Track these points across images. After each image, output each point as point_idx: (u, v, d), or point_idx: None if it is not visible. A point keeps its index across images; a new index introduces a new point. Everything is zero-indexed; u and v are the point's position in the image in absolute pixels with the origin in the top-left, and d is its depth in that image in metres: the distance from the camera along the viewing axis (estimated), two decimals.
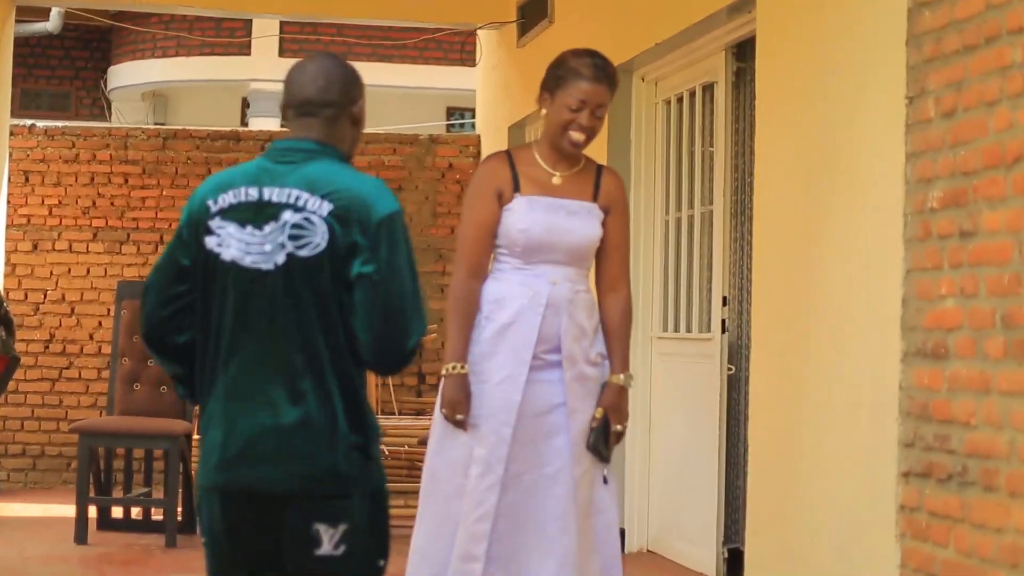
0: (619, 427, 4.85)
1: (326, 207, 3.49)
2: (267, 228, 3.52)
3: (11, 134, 10.71)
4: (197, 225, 3.59)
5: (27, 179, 11.06)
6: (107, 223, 11.07)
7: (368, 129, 12.11)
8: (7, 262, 10.73)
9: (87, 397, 10.97)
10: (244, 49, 17.36)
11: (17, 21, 11.11)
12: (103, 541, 8.17)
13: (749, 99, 6.84)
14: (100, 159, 11.12)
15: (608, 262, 4.94)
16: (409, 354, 3.49)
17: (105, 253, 11.05)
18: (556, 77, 4.85)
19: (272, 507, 3.51)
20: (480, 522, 4.75)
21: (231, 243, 3.54)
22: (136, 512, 8.67)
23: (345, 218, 3.48)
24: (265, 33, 16.20)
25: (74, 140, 11.13)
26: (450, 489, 4.85)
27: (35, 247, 11.04)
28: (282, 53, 16.61)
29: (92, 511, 8.24)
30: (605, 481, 4.86)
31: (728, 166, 7.00)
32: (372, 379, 10.11)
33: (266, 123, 15.97)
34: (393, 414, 10.21)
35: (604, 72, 4.85)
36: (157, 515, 8.43)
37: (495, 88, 10.90)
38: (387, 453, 8.78)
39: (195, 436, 8.27)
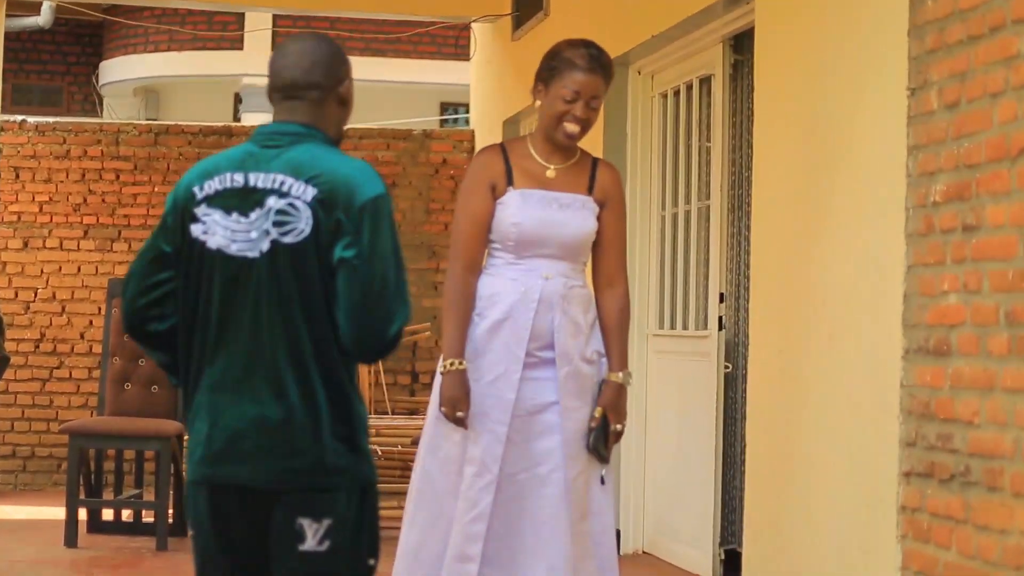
0: (618, 427, 4.77)
1: (310, 192, 3.41)
2: (253, 215, 3.44)
3: (1, 130, 10.63)
4: (183, 212, 3.51)
5: (17, 175, 10.97)
6: (98, 220, 10.99)
7: (361, 124, 12.17)
8: None
9: (78, 397, 10.88)
10: (236, 44, 17.26)
11: (7, 15, 11.00)
12: (93, 544, 8.09)
13: (747, 92, 6.75)
14: (91, 155, 11.04)
15: (604, 257, 4.86)
16: (390, 342, 3.40)
17: (96, 251, 10.96)
18: (550, 68, 4.78)
19: (258, 501, 3.44)
20: (475, 522, 4.68)
21: (217, 231, 3.46)
22: (127, 514, 8.59)
23: (329, 202, 3.40)
24: (258, 27, 16.09)
25: (65, 136, 11.04)
26: (443, 488, 4.78)
27: (25, 245, 10.95)
28: (275, 48, 16.52)
29: (82, 513, 8.15)
30: (603, 482, 4.78)
31: (725, 160, 6.91)
32: (365, 377, 10.02)
33: (259, 118, 15.89)
34: (386, 413, 10.11)
35: (599, 62, 4.78)
36: (148, 517, 8.35)
37: (490, 82, 10.81)
38: (380, 453, 8.68)
39: (187, 437, 8.18)
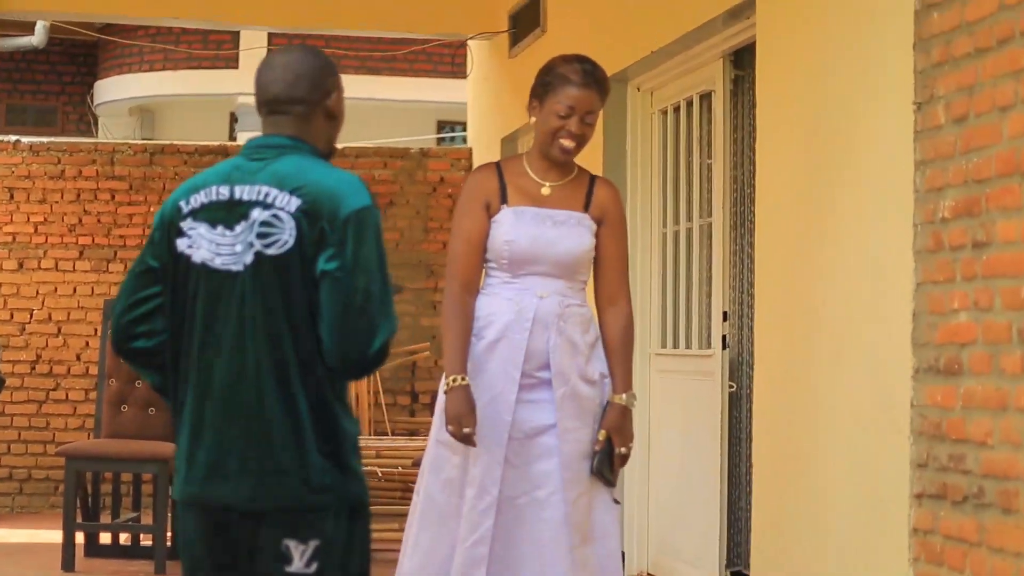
0: (622, 450, 4.70)
1: (294, 203, 3.35)
2: (238, 228, 3.39)
3: None
4: (169, 227, 3.46)
5: (12, 196, 10.91)
6: (93, 240, 10.92)
7: (358, 143, 12.10)
8: None
9: (74, 419, 10.81)
10: (232, 62, 17.22)
11: (1, 35, 10.96)
12: (91, 568, 8.01)
13: (748, 108, 6.69)
14: (86, 175, 10.98)
15: (605, 276, 4.81)
16: (374, 357, 3.34)
17: (92, 271, 10.89)
18: (544, 84, 4.75)
19: (243, 521, 3.38)
20: (477, 545, 4.63)
21: (202, 244, 3.41)
22: (124, 538, 8.51)
23: (313, 213, 3.34)
24: (253, 45, 16.04)
25: (59, 156, 10.98)
26: (446, 511, 4.74)
27: (20, 265, 10.89)
28: (262, 60, 16.47)
29: (79, 537, 8.07)
30: (616, 502, 4.73)
31: (727, 177, 6.84)
32: (364, 397, 9.95)
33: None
34: (386, 434, 10.04)
35: (593, 78, 4.74)
36: (146, 541, 8.27)
37: (487, 100, 10.75)
38: (380, 474, 8.61)
39: None
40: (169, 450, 7.99)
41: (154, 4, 10.26)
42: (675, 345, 7.47)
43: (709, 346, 6.99)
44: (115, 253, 10.91)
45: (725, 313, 6.84)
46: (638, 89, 7.81)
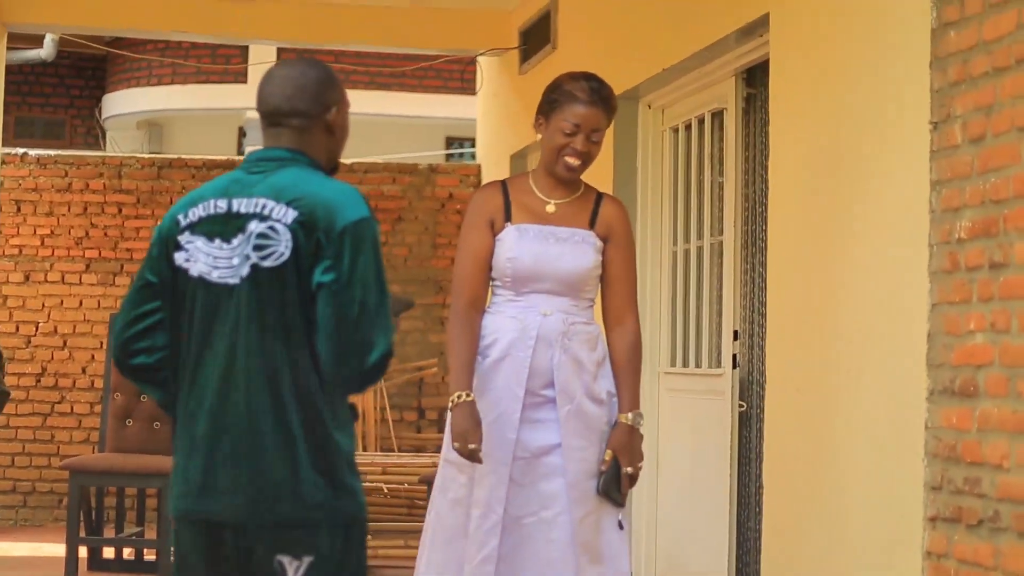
0: (629, 469, 4.65)
1: (291, 214, 3.33)
2: (235, 241, 3.37)
3: (3, 163, 10.56)
4: (167, 241, 3.45)
5: (19, 209, 10.89)
6: (100, 254, 10.90)
7: (366, 158, 12.09)
8: None
9: (79, 432, 10.78)
10: (240, 77, 17.20)
11: (10, 48, 10.94)
12: None
13: (760, 126, 6.65)
14: (93, 188, 10.97)
15: (612, 294, 4.78)
16: (371, 370, 3.30)
17: (98, 284, 10.86)
18: (551, 101, 4.74)
19: (237, 537, 3.34)
20: (484, 564, 4.60)
21: (199, 258, 3.39)
22: (128, 552, 8.46)
23: (309, 224, 3.31)
24: (262, 60, 16.02)
25: (67, 169, 10.97)
26: (453, 531, 4.71)
27: (27, 278, 10.87)
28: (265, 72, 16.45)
29: (83, 551, 8.03)
30: (620, 527, 4.67)
31: (738, 195, 6.79)
32: (371, 414, 9.91)
33: None
34: (392, 450, 10.00)
35: (599, 95, 4.72)
36: (150, 556, 8.23)
37: (496, 116, 10.72)
38: (386, 491, 8.57)
39: None
40: None
41: (163, 19, 10.24)
42: (685, 364, 7.42)
43: (719, 365, 6.94)
44: (122, 266, 10.88)
45: (736, 332, 6.79)
46: (649, 106, 7.78)
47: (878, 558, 4.84)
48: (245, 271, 3.34)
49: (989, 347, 4.19)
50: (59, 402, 10.81)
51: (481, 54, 10.52)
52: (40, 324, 10.85)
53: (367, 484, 8.50)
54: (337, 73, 3.59)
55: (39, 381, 10.80)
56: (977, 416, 4.24)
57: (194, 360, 3.38)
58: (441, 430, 4.79)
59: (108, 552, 8.43)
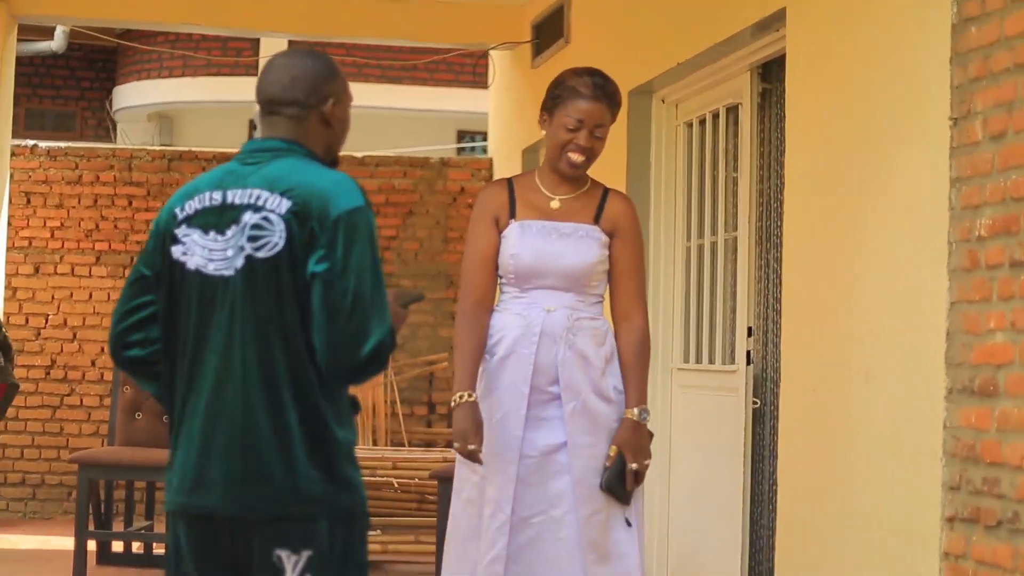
0: (634, 465, 4.61)
1: (285, 204, 3.30)
2: (229, 232, 3.34)
3: (13, 154, 10.51)
4: (164, 234, 3.42)
5: (29, 200, 10.86)
6: (110, 246, 10.88)
7: (378, 152, 12.01)
8: (8, 285, 10.52)
9: (89, 425, 10.76)
10: (251, 70, 17.14)
11: (21, 40, 10.92)
12: None
13: (776, 121, 6.61)
14: (103, 180, 10.94)
15: (618, 289, 4.76)
16: (365, 361, 3.25)
17: (108, 277, 10.84)
18: (554, 96, 4.72)
19: (234, 532, 3.30)
20: (493, 564, 4.59)
21: (195, 251, 3.36)
22: (137, 546, 8.43)
23: (303, 214, 3.28)
24: (273, 53, 16.00)
25: (77, 161, 10.94)
26: (467, 532, 4.71)
27: (37, 270, 10.84)
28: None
29: (91, 544, 8.00)
30: (628, 524, 4.63)
31: (753, 191, 6.75)
32: (381, 408, 9.88)
33: None
34: (403, 445, 9.97)
35: (603, 91, 4.70)
36: (159, 549, 8.19)
37: (508, 110, 10.68)
38: (396, 485, 8.54)
39: None
40: None
41: (174, 11, 10.21)
42: (698, 360, 7.38)
43: (733, 362, 6.90)
44: (132, 259, 10.84)
45: (750, 328, 6.75)
46: (663, 101, 7.73)
47: (895, 558, 4.80)
48: (240, 263, 3.31)
49: (1009, 346, 4.15)
50: (68, 395, 10.80)
51: (493, 48, 10.48)
52: (50, 316, 10.83)
53: (377, 479, 8.47)
54: (340, 66, 3.56)
55: (48, 373, 10.78)
56: (997, 416, 4.19)
57: (191, 354, 3.35)
58: (451, 425, 4.81)
59: (117, 546, 8.39)
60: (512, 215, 4.73)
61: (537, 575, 4.61)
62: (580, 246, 4.69)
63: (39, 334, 10.79)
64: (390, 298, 3.40)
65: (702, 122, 7.39)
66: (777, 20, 6.05)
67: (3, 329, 8.40)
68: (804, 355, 5.66)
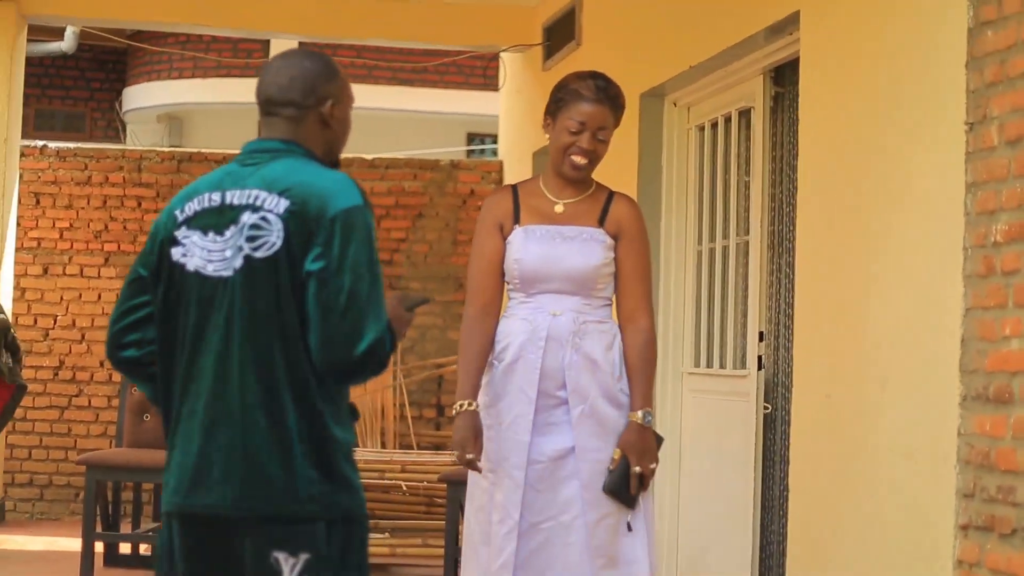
0: (637, 468, 4.58)
1: (283, 204, 3.29)
2: (228, 233, 3.33)
3: (22, 155, 10.49)
4: (164, 237, 3.41)
5: (38, 201, 10.85)
6: (119, 247, 10.86)
7: (388, 154, 11.98)
8: (16, 286, 10.50)
9: (97, 426, 10.74)
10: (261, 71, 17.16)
11: (31, 41, 10.90)
12: None
13: (788, 125, 6.58)
14: (113, 182, 10.92)
15: (624, 292, 4.73)
16: (360, 360, 3.23)
17: (117, 278, 10.82)
18: (557, 100, 4.72)
19: (231, 533, 3.28)
20: (502, 571, 4.57)
21: (195, 252, 3.36)
22: (144, 548, 8.40)
23: (301, 213, 3.27)
24: None
25: (86, 162, 10.93)
26: (478, 537, 4.69)
27: (45, 271, 10.82)
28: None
29: (99, 546, 7.98)
30: (629, 528, 4.60)
31: (765, 195, 6.72)
32: (390, 411, 9.85)
33: None
34: (411, 448, 9.94)
35: (605, 93, 4.68)
36: None
37: (519, 113, 10.66)
38: (405, 488, 8.51)
39: None
40: None
41: (184, 12, 10.20)
42: (709, 365, 7.35)
43: (744, 366, 6.87)
44: None
45: (761, 333, 6.72)
46: (675, 104, 7.70)
47: (907, 566, 4.77)
48: (238, 263, 3.30)
49: None
50: (77, 395, 10.78)
51: (504, 50, 10.46)
52: (58, 317, 10.81)
53: (386, 481, 8.45)
54: (342, 68, 3.54)
55: (57, 374, 10.76)
56: (1012, 423, 4.16)
57: (188, 355, 3.34)
58: None
59: (124, 547, 8.36)
60: (517, 221, 4.73)
61: None
62: (584, 249, 4.67)
63: (47, 335, 10.77)
64: (394, 301, 3.40)
65: (714, 126, 7.36)
66: (791, 23, 6.02)
67: (12, 330, 8.38)
68: (817, 360, 5.62)
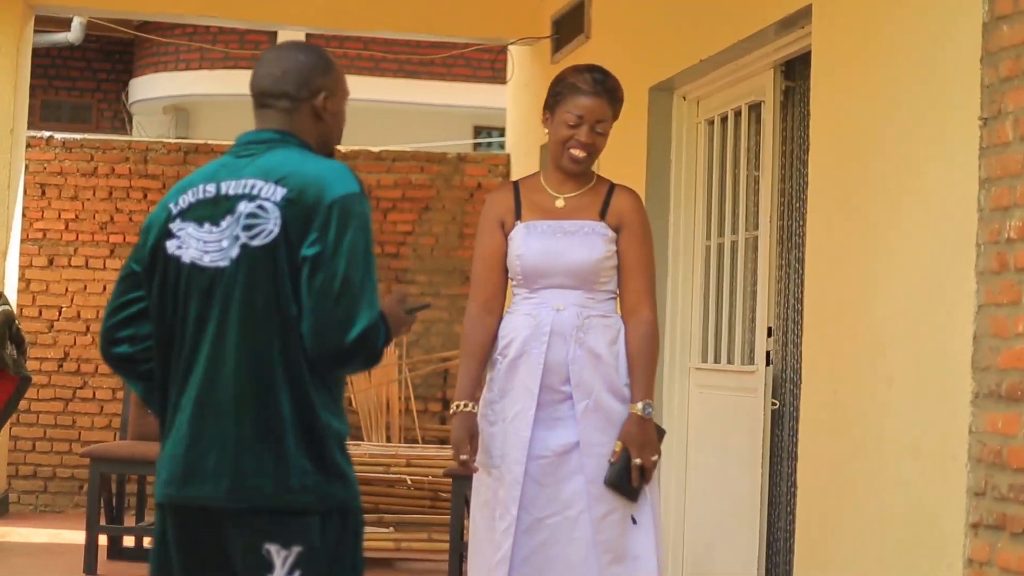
0: (638, 460, 4.55)
1: (279, 192, 3.28)
2: (224, 223, 3.31)
3: (28, 146, 10.46)
4: (158, 230, 3.39)
5: (43, 192, 10.81)
6: (125, 239, 10.81)
7: (394, 147, 11.95)
8: (21, 278, 10.47)
9: (101, 418, 10.70)
10: None
11: (37, 31, 10.87)
12: (113, 571, 7.90)
13: (798, 120, 6.53)
14: (119, 173, 10.88)
15: (626, 285, 4.72)
16: (351, 347, 3.20)
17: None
18: (555, 94, 4.71)
19: (223, 524, 3.25)
20: (499, 566, 4.56)
21: (190, 244, 3.34)
22: (148, 541, 8.37)
23: (298, 201, 3.26)
24: None
25: (92, 153, 10.89)
26: (483, 533, 4.68)
27: (51, 262, 10.79)
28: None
29: (103, 539, 7.95)
30: (634, 521, 4.57)
31: (775, 190, 6.68)
32: (395, 404, 9.81)
33: None
34: (416, 442, 9.90)
35: (603, 86, 4.67)
36: None
37: (527, 106, 10.61)
38: (410, 483, 8.48)
39: None
40: None
41: (191, 3, 10.17)
42: (716, 360, 7.31)
43: (752, 362, 6.83)
44: None
45: (770, 329, 6.68)
46: (684, 98, 7.66)
47: (917, 564, 4.73)
48: (235, 252, 3.29)
49: None
50: (81, 387, 10.74)
51: (512, 43, 10.41)
52: (63, 309, 10.77)
53: (391, 476, 8.41)
54: (336, 61, 3.54)
55: (61, 366, 10.73)
56: None
57: (188, 348, 3.32)
58: None
59: (128, 540, 8.34)
60: (518, 217, 4.72)
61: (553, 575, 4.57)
62: (585, 243, 4.65)
63: (52, 327, 10.74)
64: (393, 300, 3.39)
65: (724, 120, 7.32)
66: (803, 17, 5.98)
67: (16, 321, 8.34)
68: (826, 356, 5.59)
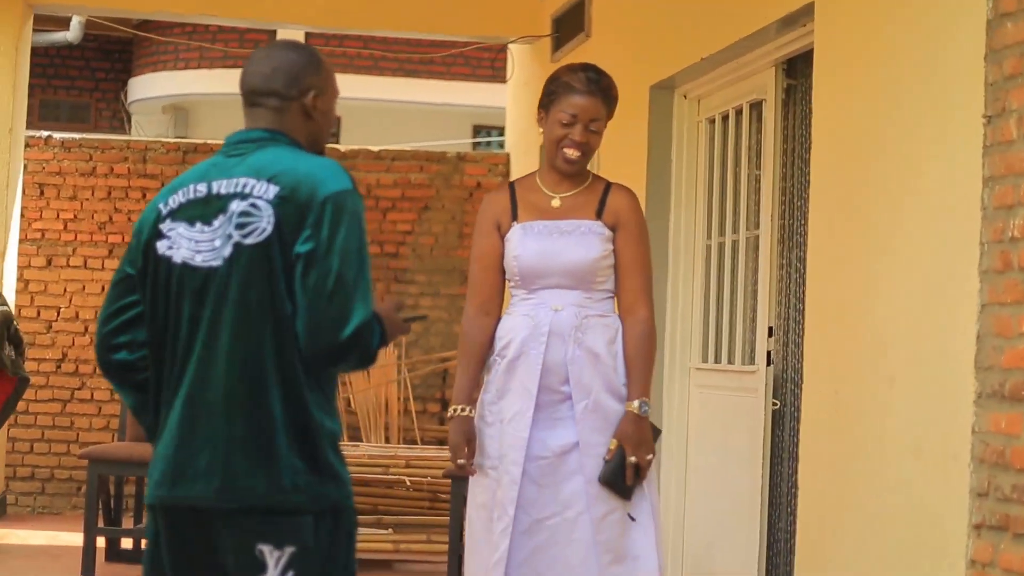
0: (633, 459, 4.53)
1: (272, 190, 3.27)
2: (216, 222, 3.30)
3: (26, 145, 10.43)
4: (149, 231, 3.37)
5: (42, 192, 10.78)
6: (124, 239, 10.77)
7: (394, 146, 11.91)
8: (20, 278, 10.44)
9: (99, 419, 10.68)
10: None
11: (36, 30, 10.84)
12: (111, 573, 7.88)
13: (800, 118, 6.50)
14: (118, 173, 10.85)
15: (623, 283, 4.71)
16: (344, 345, 3.19)
17: None
18: (549, 93, 4.71)
19: (215, 525, 3.22)
20: (496, 566, 4.55)
21: (181, 244, 3.32)
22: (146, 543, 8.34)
23: (291, 198, 3.25)
24: None
25: (91, 153, 10.86)
26: (480, 534, 4.67)
27: (49, 263, 10.76)
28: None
29: (100, 541, 7.92)
30: (631, 519, 4.55)
31: (776, 189, 6.65)
32: (394, 405, 9.78)
33: None
34: (415, 443, 9.87)
35: (597, 85, 4.67)
36: None
37: (527, 105, 10.56)
38: (409, 483, 8.45)
39: None
40: None
41: (190, 2, 10.14)
42: (717, 360, 7.28)
43: (753, 362, 6.80)
44: None
45: (770, 328, 6.65)
46: (685, 97, 7.63)
47: (919, 565, 4.70)
48: (228, 251, 3.27)
49: None
50: (79, 388, 10.71)
51: (512, 42, 10.38)
52: (62, 309, 10.75)
53: (390, 476, 8.37)
54: (327, 60, 3.53)
55: (59, 367, 10.70)
56: None
57: (182, 348, 3.30)
58: None
59: (126, 542, 8.32)
60: (514, 218, 4.72)
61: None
62: (582, 242, 4.65)
63: (51, 327, 10.71)
64: (390, 305, 3.38)
65: (725, 118, 7.29)
66: (804, 14, 5.95)
67: (15, 322, 8.31)
68: (827, 356, 5.56)
